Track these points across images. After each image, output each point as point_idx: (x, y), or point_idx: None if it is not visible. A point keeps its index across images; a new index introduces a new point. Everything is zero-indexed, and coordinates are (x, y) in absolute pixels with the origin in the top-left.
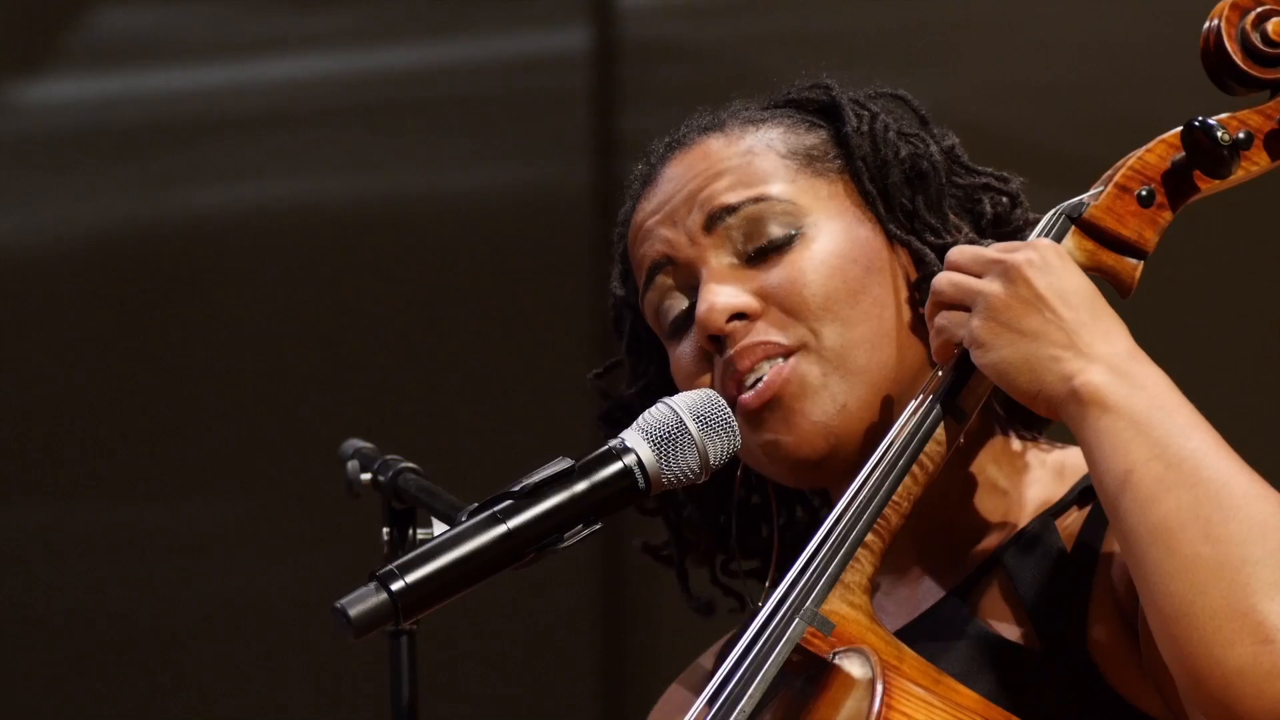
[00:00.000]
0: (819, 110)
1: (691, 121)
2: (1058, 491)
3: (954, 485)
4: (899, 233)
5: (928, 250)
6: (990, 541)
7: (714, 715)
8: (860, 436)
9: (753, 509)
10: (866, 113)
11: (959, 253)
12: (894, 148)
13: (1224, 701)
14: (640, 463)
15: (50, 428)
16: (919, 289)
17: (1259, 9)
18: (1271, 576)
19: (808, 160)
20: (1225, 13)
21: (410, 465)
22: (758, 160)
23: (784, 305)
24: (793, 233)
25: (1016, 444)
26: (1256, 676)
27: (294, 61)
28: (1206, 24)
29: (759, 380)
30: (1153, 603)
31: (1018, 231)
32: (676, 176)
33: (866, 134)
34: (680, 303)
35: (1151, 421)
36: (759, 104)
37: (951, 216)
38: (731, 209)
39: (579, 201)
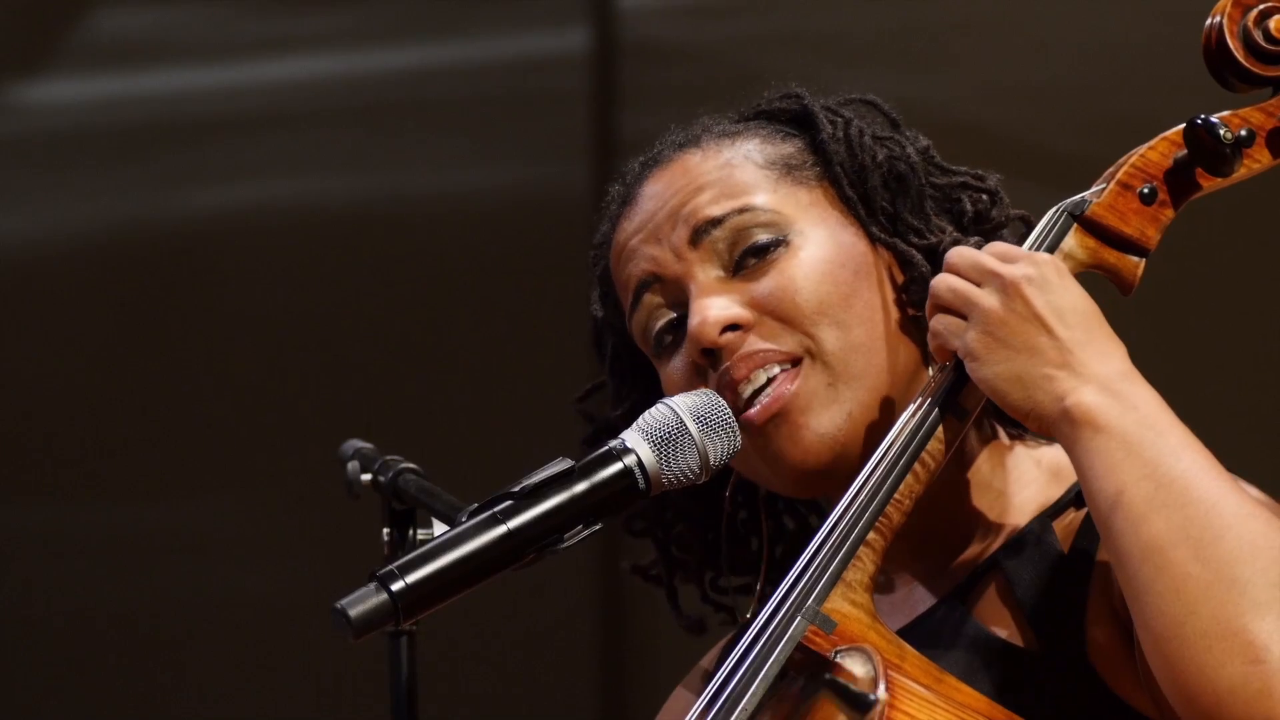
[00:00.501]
0: (792, 120)
1: (665, 139)
2: (1054, 493)
3: (949, 486)
4: (882, 236)
5: (913, 252)
6: (987, 543)
7: (716, 714)
8: (862, 442)
9: (741, 524)
10: (840, 119)
11: (959, 256)
12: (871, 152)
13: (1215, 719)
14: (640, 463)
15: (50, 428)
16: (906, 291)
17: (1261, 6)
18: (1261, 596)
19: (786, 170)
20: (1227, 10)
21: (410, 465)
22: (738, 172)
23: (777, 314)
24: (779, 241)
25: (1010, 443)
26: (1247, 695)
27: (294, 62)
28: (1208, 21)
29: (757, 391)
30: (1144, 621)
31: (998, 228)
32: (657, 194)
33: (842, 140)
34: (669, 320)
35: (1143, 442)
36: (730, 118)
37: (933, 217)
38: (717, 221)
39: (579, 202)
